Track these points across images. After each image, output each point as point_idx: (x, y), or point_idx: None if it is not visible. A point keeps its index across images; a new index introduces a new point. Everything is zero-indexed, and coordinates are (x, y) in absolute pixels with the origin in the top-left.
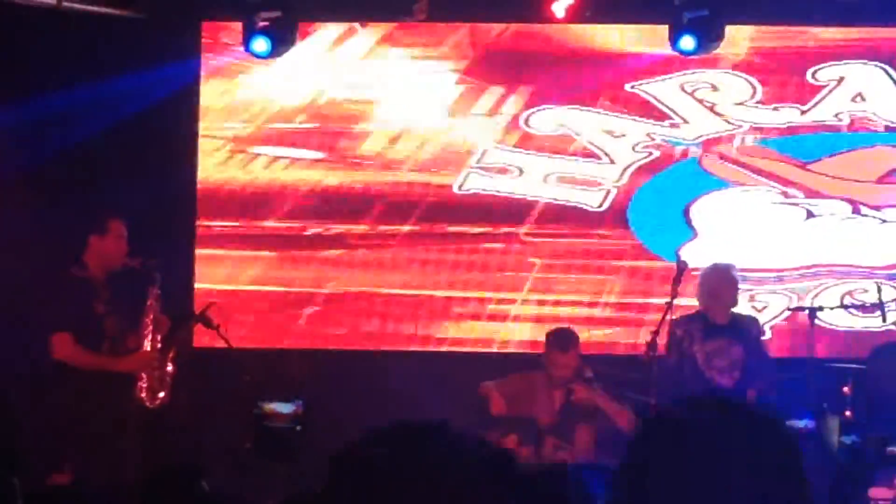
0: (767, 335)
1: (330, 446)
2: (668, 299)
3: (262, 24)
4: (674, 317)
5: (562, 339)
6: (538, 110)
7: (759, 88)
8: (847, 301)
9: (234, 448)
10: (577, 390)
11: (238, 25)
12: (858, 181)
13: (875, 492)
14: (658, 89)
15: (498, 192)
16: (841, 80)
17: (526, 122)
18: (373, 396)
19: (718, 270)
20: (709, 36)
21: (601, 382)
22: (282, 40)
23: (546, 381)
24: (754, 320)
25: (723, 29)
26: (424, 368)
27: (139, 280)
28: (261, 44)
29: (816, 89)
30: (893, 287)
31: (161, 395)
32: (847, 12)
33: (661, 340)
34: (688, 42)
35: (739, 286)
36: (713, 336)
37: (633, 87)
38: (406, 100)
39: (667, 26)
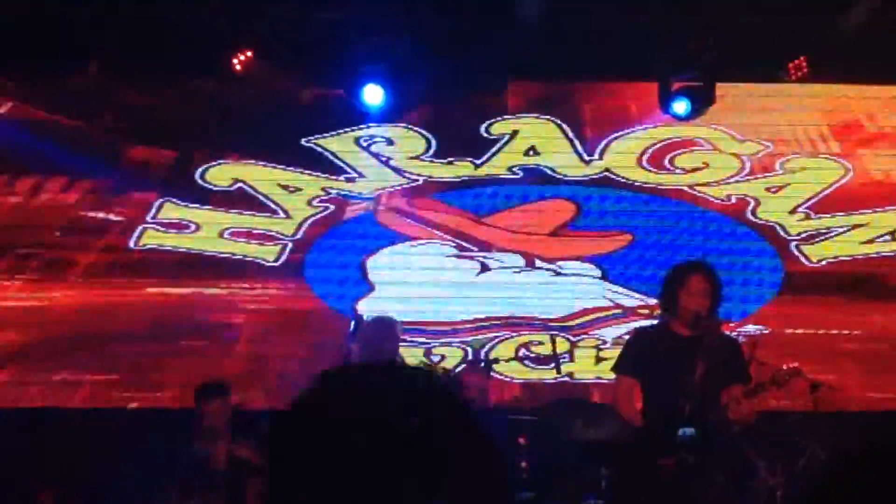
0: None
1: None
2: (345, 353)
3: None
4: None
5: (206, 389)
6: (214, 164)
7: (434, 142)
8: (522, 353)
9: None
10: (238, 448)
11: None
12: (532, 234)
13: None
14: (333, 143)
15: (175, 247)
16: (514, 133)
17: (202, 176)
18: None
19: (377, 324)
20: (386, 93)
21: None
22: None
23: (208, 437)
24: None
25: (399, 85)
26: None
27: None
28: None
29: (490, 143)
30: (567, 339)
31: None
32: (521, 67)
33: None
34: (373, 94)
35: (403, 337)
36: None
37: (308, 141)
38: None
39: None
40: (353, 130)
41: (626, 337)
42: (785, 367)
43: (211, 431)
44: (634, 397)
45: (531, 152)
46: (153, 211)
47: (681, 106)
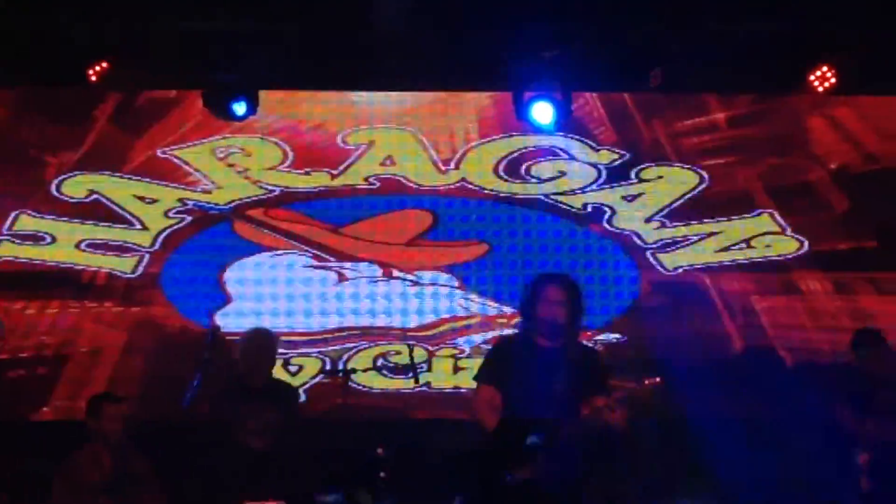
0: (302, 398)
1: None
2: (202, 364)
3: None
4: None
5: (103, 396)
6: (69, 176)
7: (291, 153)
8: (380, 363)
9: None
10: (130, 458)
11: None
12: (389, 244)
13: None
14: (190, 154)
15: (31, 259)
16: (371, 143)
17: (58, 188)
18: None
19: (257, 335)
20: (249, 103)
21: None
22: None
23: (97, 448)
24: (292, 389)
25: (257, 95)
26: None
27: None
28: None
29: (347, 153)
30: (425, 348)
31: None
32: (378, 78)
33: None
34: (236, 106)
35: (275, 347)
36: (249, 399)
37: (164, 152)
38: None
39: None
40: (209, 141)
41: (484, 346)
42: (647, 381)
43: (108, 434)
44: (495, 407)
45: (388, 162)
46: (8, 223)
47: (545, 116)
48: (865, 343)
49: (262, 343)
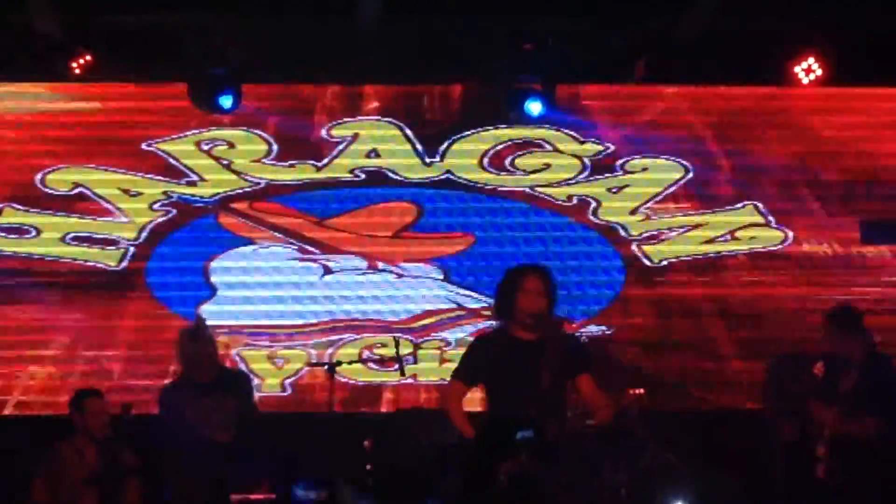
0: (288, 392)
1: None
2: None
3: None
4: (167, 382)
5: (86, 392)
6: (54, 169)
7: (275, 146)
8: (366, 356)
9: None
10: (119, 451)
11: None
12: (374, 236)
13: None
14: (174, 147)
15: (16, 252)
16: (356, 136)
17: (42, 181)
18: None
19: (188, 332)
20: (234, 96)
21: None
22: None
23: (81, 442)
24: (245, 376)
25: (240, 88)
26: None
27: None
28: None
29: (332, 145)
30: (410, 341)
31: None
32: (362, 71)
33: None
34: (227, 101)
35: (215, 339)
36: (203, 395)
37: (149, 145)
38: None
39: (185, 84)
40: (193, 134)
41: (470, 338)
42: (631, 391)
43: (94, 430)
44: (461, 403)
45: (372, 154)
46: None
47: (535, 106)
48: (835, 323)
49: (202, 339)
